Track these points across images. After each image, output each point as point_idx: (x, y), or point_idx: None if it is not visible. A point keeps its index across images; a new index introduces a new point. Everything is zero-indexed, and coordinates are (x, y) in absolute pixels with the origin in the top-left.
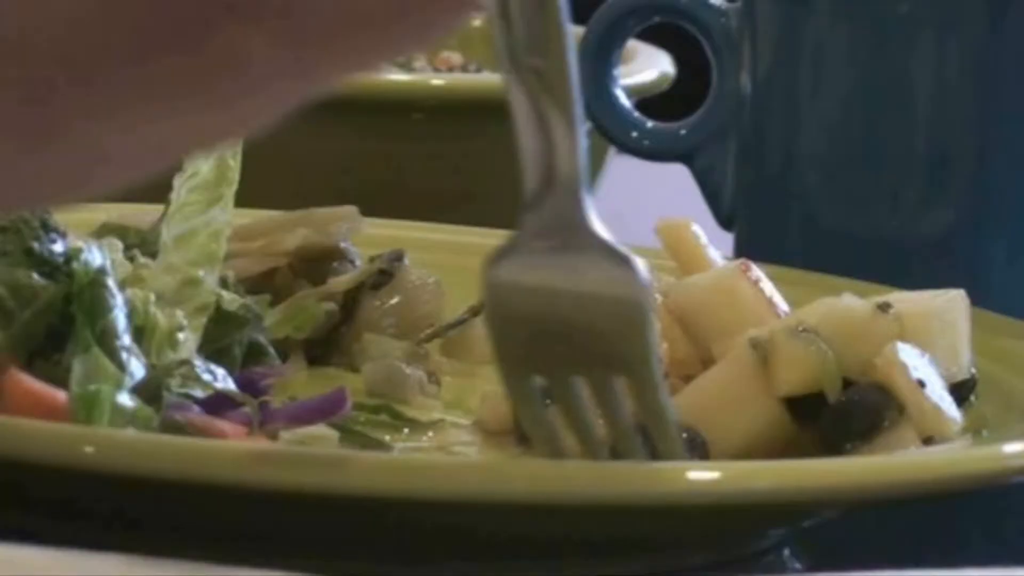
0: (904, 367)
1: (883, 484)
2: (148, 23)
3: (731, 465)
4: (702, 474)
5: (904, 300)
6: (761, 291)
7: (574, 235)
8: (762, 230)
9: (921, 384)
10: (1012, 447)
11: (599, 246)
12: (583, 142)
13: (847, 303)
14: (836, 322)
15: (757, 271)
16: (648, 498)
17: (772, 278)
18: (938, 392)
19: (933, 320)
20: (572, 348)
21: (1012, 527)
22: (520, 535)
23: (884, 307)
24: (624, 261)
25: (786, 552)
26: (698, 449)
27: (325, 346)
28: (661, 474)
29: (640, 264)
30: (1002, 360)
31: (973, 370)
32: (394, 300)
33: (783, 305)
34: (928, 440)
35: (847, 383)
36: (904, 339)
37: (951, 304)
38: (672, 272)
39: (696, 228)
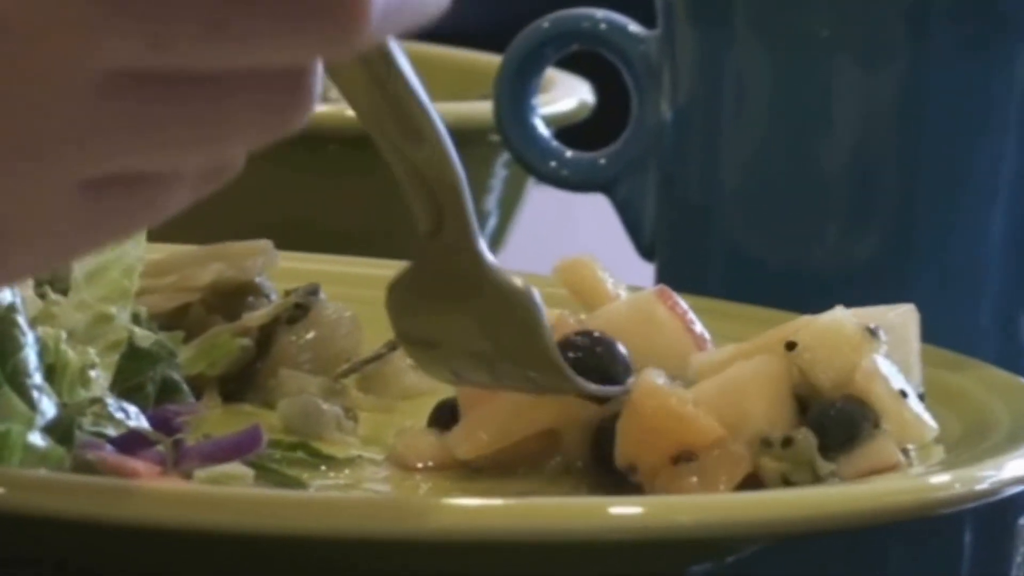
0: (886, 379)
1: (806, 518)
2: None
3: (652, 500)
4: (623, 509)
5: (857, 315)
6: (679, 317)
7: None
8: (683, 260)
9: (903, 394)
10: (938, 479)
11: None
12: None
13: (838, 323)
14: (827, 340)
15: (675, 297)
16: (567, 534)
17: (694, 309)
18: (916, 401)
19: (887, 334)
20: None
21: (941, 557)
22: (437, 574)
23: (873, 331)
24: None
25: None
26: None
27: (240, 382)
28: (581, 509)
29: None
30: (931, 392)
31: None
32: (310, 335)
33: (702, 331)
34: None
35: (820, 397)
36: None
37: (903, 318)
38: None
39: (596, 263)
